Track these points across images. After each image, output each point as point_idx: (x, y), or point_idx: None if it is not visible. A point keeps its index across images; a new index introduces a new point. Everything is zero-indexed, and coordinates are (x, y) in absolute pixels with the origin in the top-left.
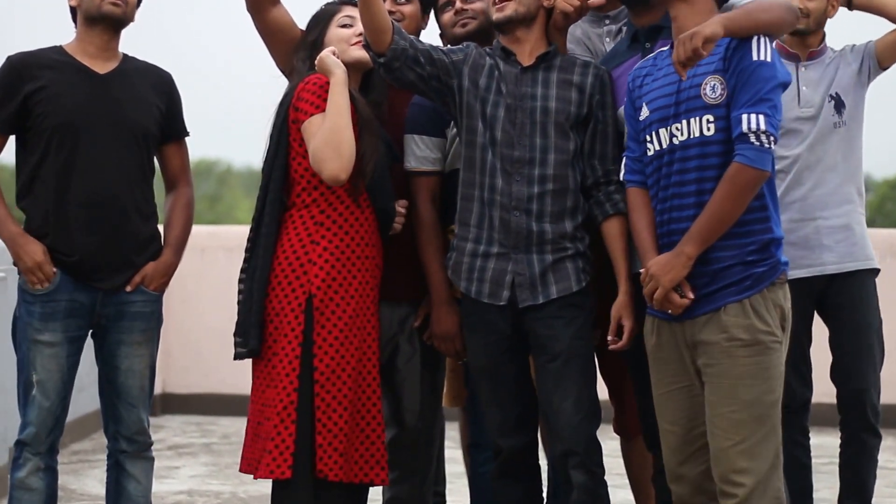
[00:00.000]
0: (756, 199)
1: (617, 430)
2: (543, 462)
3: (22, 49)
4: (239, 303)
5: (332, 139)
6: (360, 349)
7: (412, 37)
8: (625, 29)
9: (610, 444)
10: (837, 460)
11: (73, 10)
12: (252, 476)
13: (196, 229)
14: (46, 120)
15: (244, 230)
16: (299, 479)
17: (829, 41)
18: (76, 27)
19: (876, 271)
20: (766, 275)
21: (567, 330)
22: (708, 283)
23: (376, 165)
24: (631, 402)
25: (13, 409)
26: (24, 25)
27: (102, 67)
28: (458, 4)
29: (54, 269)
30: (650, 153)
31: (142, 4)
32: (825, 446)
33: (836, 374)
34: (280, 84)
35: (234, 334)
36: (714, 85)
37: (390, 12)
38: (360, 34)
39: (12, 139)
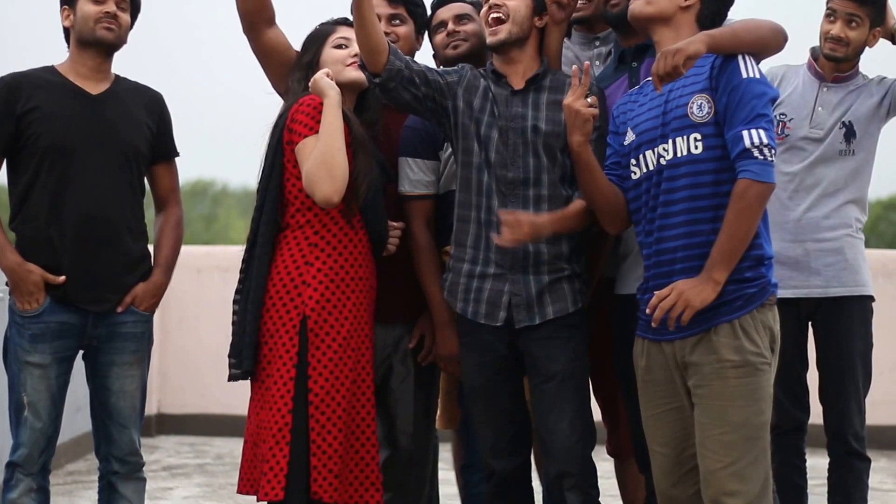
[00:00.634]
0: None
1: (611, 452)
2: (536, 483)
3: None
4: (233, 324)
5: (324, 161)
6: (354, 370)
7: (408, 58)
8: (613, 51)
9: (604, 465)
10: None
11: (67, 31)
12: (247, 496)
13: (192, 249)
14: (39, 140)
15: (240, 250)
16: (293, 501)
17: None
18: (69, 47)
19: (869, 298)
20: (756, 296)
21: (563, 351)
22: None
23: (370, 186)
24: (625, 423)
25: (4, 430)
26: (15, 45)
27: (95, 88)
28: (451, 26)
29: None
30: (635, 176)
31: (141, 22)
32: (820, 468)
33: (821, 398)
34: (276, 103)
35: (229, 355)
36: (701, 103)
37: (385, 33)
38: (355, 55)
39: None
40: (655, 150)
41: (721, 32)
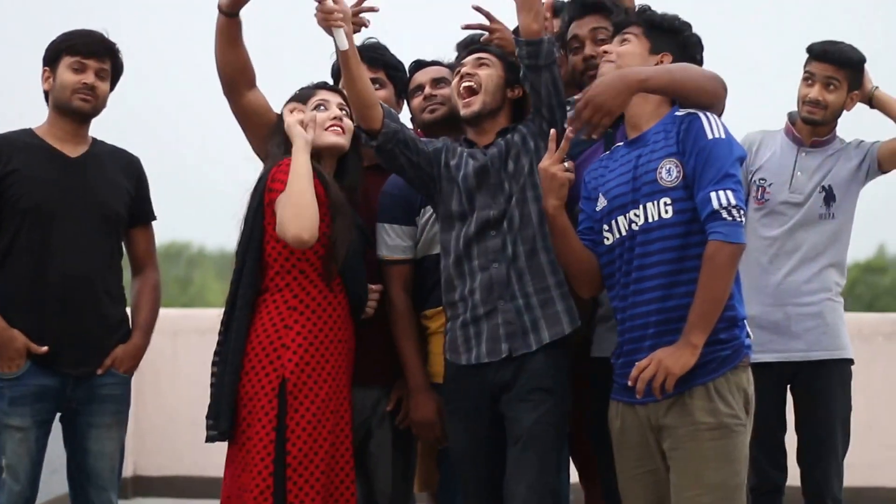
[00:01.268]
0: None
1: None
2: None
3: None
4: (212, 385)
5: (293, 202)
6: (333, 433)
7: (401, 121)
8: None
9: None
10: None
11: (46, 93)
12: None
13: (168, 312)
14: (20, 202)
15: (216, 313)
16: None
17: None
18: (48, 109)
19: (848, 361)
20: (730, 357)
21: (530, 414)
22: None
23: (349, 249)
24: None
25: None
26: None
27: (73, 151)
28: (427, 90)
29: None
30: (608, 242)
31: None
32: None
33: (800, 460)
34: (254, 166)
35: (207, 416)
36: (669, 168)
37: None
38: (335, 118)
39: None
40: (627, 215)
41: (656, 72)
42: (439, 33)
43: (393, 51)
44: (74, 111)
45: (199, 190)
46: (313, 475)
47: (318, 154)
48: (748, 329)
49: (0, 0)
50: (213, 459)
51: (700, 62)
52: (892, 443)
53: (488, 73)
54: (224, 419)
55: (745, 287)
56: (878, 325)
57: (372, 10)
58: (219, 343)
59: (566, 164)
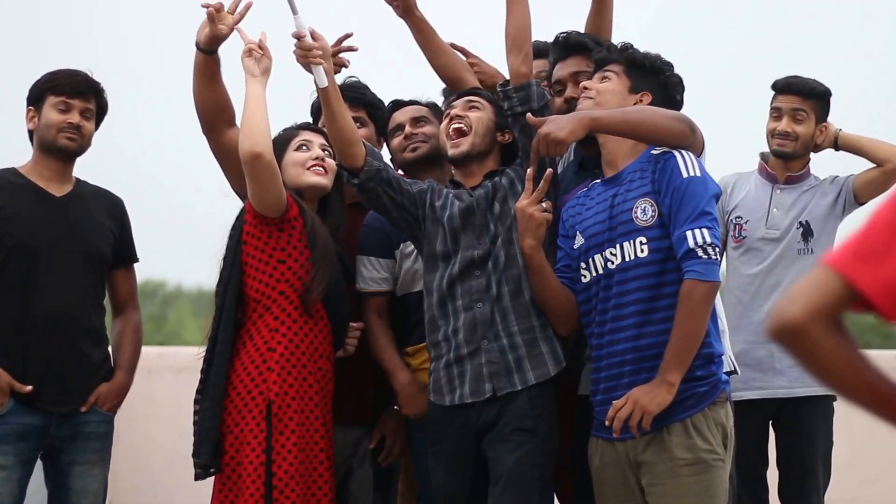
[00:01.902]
0: None
1: None
2: None
3: None
4: (195, 424)
5: (244, 122)
6: (308, 457)
7: (385, 161)
8: (574, 155)
9: None
10: None
11: (30, 132)
12: None
13: (144, 350)
14: (4, 240)
15: (192, 351)
16: None
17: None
18: (32, 149)
19: (831, 397)
20: (707, 394)
21: (511, 455)
22: None
23: (330, 280)
24: None
25: None
26: None
27: (58, 190)
28: (408, 129)
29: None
30: (585, 280)
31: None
32: None
33: (781, 495)
34: (232, 204)
35: (193, 455)
36: (644, 207)
37: None
38: (317, 158)
39: None
40: (603, 254)
41: (609, 113)
42: (419, 72)
43: (373, 89)
44: (60, 149)
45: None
46: (300, 497)
47: (301, 194)
48: (734, 364)
49: None
50: (189, 497)
51: (680, 102)
52: (873, 478)
53: (478, 116)
54: (206, 453)
55: (728, 325)
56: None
57: (351, 49)
58: (200, 381)
59: (544, 203)
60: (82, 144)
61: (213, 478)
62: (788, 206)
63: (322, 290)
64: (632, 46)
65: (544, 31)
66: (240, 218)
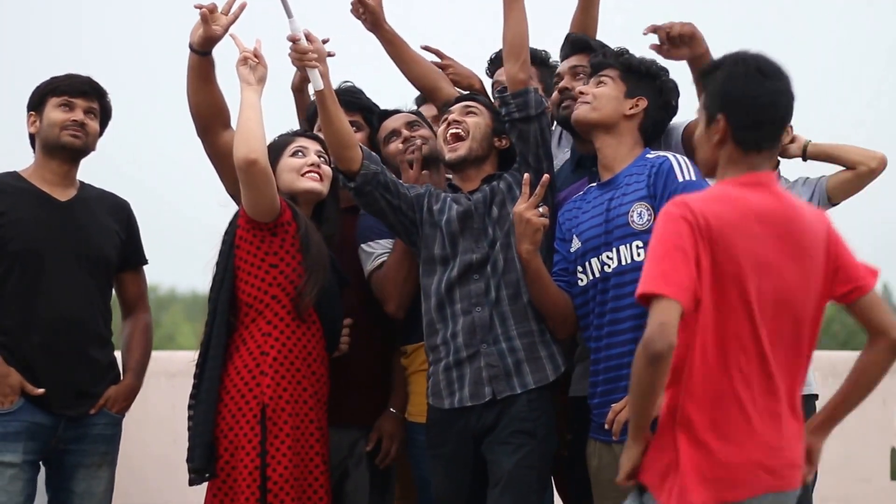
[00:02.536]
0: None
1: None
2: None
3: None
4: (189, 429)
5: (240, 129)
6: (304, 461)
7: (381, 164)
8: (570, 153)
9: None
10: None
11: (32, 137)
12: None
13: None
14: (9, 245)
15: (187, 355)
16: None
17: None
18: (34, 153)
19: (814, 397)
20: None
21: (511, 457)
22: None
23: (323, 286)
24: None
25: None
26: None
27: (63, 195)
28: (405, 133)
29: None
30: (582, 283)
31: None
32: None
33: None
34: (227, 210)
35: (187, 460)
36: (640, 212)
37: None
38: (312, 164)
39: None
40: (600, 257)
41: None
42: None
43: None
44: (64, 147)
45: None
46: (295, 501)
47: (296, 199)
48: None
49: None
50: (184, 501)
51: (675, 107)
52: (867, 476)
53: (476, 122)
54: (206, 458)
55: None
56: (852, 362)
57: (329, 55)
58: (194, 387)
59: (541, 208)
60: (87, 143)
61: (207, 483)
62: None
63: (314, 294)
64: (627, 51)
65: (543, 37)
66: (233, 222)
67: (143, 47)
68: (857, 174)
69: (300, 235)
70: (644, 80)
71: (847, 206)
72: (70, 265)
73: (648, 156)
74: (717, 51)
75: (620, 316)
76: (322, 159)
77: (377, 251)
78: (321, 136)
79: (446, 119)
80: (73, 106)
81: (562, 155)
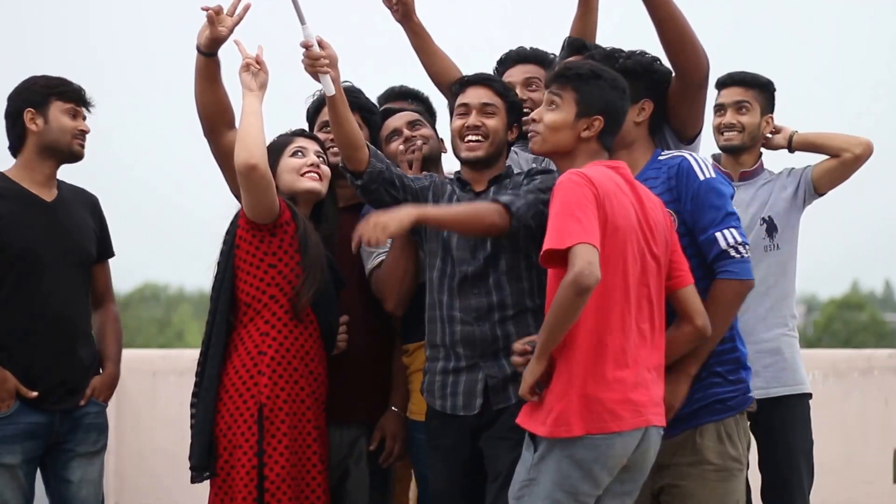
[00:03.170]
0: None
1: None
2: None
3: None
4: (191, 427)
5: (240, 135)
6: (301, 460)
7: (387, 160)
8: None
9: None
10: None
11: (21, 136)
12: None
13: (147, 353)
14: (8, 248)
15: (195, 354)
16: None
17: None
18: (21, 152)
19: (807, 395)
20: (739, 401)
21: (511, 452)
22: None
23: (320, 286)
24: None
25: None
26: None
27: (48, 195)
28: (406, 132)
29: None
30: None
31: (97, 124)
32: None
33: (765, 498)
34: (233, 208)
35: (189, 458)
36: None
37: None
38: (312, 164)
39: None
40: None
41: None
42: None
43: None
44: (73, 155)
45: (177, 231)
46: (292, 500)
47: (295, 199)
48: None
49: None
50: (194, 499)
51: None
52: (869, 478)
53: (495, 124)
54: (200, 456)
55: None
56: (853, 360)
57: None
58: (196, 384)
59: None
60: (83, 151)
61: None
62: (747, 202)
63: (312, 294)
64: (621, 53)
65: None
66: (233, 223)
67: (151, 53)
68: (841, 162)
69: (299, 235)
70: (641, 78)
71: (847, 205)
72: (62, 265)
73: (661, 157)
74: (718, 50)
75: None
76: (321, 159)
77: (377, 250)
78: (319, 136)
79: (463, 114)
80: (78, 115)
81: (526, 154)
